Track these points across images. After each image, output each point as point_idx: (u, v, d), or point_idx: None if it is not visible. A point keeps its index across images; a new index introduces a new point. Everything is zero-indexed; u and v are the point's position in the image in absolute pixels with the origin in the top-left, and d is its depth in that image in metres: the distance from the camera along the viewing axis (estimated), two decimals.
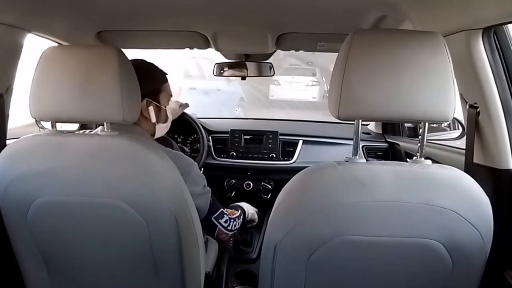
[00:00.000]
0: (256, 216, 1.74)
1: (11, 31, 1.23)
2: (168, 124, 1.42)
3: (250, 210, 1.69)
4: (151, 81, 1.32)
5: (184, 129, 2.21)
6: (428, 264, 0.90)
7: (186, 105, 1.65)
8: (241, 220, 1.53)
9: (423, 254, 0.89)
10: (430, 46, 0.87)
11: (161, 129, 1.39)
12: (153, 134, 1.38)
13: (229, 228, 1.42)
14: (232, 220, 1.44)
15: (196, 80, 7.28)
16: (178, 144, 2.14)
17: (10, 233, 1.11)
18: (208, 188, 1.35)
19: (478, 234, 0.87)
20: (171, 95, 1.41)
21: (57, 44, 1.51)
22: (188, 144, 2.24)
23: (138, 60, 1.31)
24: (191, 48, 1.97)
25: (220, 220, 1.38)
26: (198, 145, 2.16)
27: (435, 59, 0.86)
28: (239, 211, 1.56)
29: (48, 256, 1.13)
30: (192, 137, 2.24)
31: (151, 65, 1.36)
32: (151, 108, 1.30)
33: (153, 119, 1.31)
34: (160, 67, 1.37)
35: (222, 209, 1.41)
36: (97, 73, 1.00)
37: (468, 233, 0.87)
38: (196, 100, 6.15)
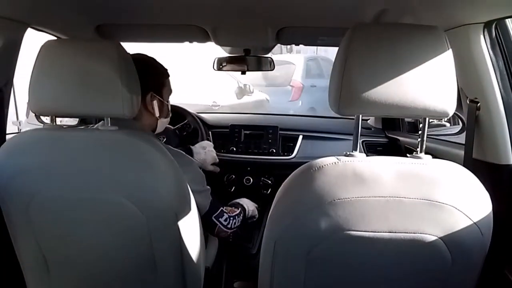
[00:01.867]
0: (256, 212, 1.74)
1: (11, 24, 1.22)
2: (168, 119, 1.42)
3: (250, 206, 1.69)
4: (155, 76, 1.33)
5: (181, 121, 2.20)
6: (427, 260, 0.90)
7: None
8: (241, 217, 1.54)
9: (423, 249, 0.89)
10: (431, 41, 0.86)
11: (162, 124, 1.39)
12: (154, 129, 1.38)
13: (229, 226, 1.43)
14: (232, 218, 1.45)
15: (316, 79, 7.88)
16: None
17: (10, 228, 1.11)
18: (208, 187, 1.36)
19: (477, 230, 0.87)
20: (172, 91, 1.41)
21: (56, 38, 1.50)
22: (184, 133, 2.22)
23: (141, 54, 1.31)
24: (191, 42, 1.96)
25: (220, 219, 1.39)
26: (198, 139, 2.16)
27: (436, 54, 0.86)
28: (239, 209, 1.56)
29: (48, 251, 1.13)
30: (188, 128, 2.22)
31: (154, 60, 1.36)
32: (155, 103, 1.30)
33: (157, 113, 1.31)
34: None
35: (222, 208, 1.42)
36: (97, 67, 1.00)
37: (468, 229, 0.87)
38: (318, 96, 6.87)
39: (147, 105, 1.29)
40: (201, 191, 1.30)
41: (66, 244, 1.12)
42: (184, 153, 1.29)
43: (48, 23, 1.42)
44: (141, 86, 1.22)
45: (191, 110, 2.29)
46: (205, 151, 1.80)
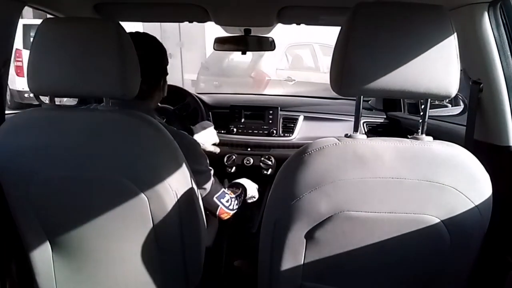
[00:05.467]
0: (256, 192, 1.76)
1: (7, 2, 1.20)
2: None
3: (250, 186, 1.71)
4: (166, 57, 1.38)
5: (181, 101, 2.20)
6: (427, 240, 0.91)
7: None
8: (242, 198, 1.56)
9: (422, 230, 0.89)
10: (434, 20, 0.85)
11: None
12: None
13: (231, 207, 1.44)
14: (233, 199, 1.46)
15: (301, 72, 7.09)
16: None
17: (12, 208, 1.12)
18: (211, 168, 1.36)
19: (477, 211, 0.88)
20: None
21: (53, 17, 1.48)
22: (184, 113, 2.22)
23: (152, 36, 1.34)
24: (191, 21, 1.93)
25: (222, 200, 1.40)
26: (198, 120, 2.16)
27: (440, 34, 0.85)
28: (240, 189, 1.57)
29: (50, 230, 1.14)
30: (188, 108, 2.22)
31: (160, 42, 1.38)
32: (164, 83, 1.36)
33: (165, 93, 1.38)
34: None
35: (223, 189, 1.43)
36: (96, 47, 0.98)
37: (467, 210, 0.87)
38: (287, 92, 6.03)
39: (161, 87, 1.35)
40: (202, 172, 1.31)
41: (67, 223, 1.13)
42: (186, 133, 1.29)
43: (46, 1, 1.40)
44: (160, 69, 1.32)
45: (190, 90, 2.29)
46: (206, 131, 1.80)
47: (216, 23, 1.87)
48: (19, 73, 6.61)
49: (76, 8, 1.56)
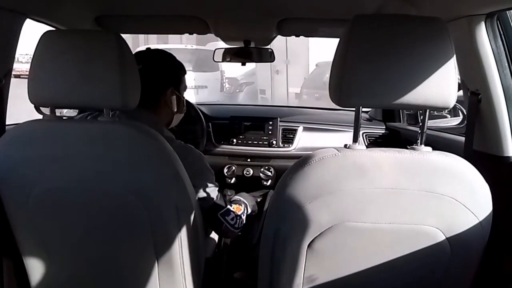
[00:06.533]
0: (256, 207, 1.71)
1: (9, 15, 1.21)
2: (183, 114, 1.44)
3: (250, 202, 1.65)
4: (175, 71, 1.37)
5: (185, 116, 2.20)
6: (427, 251, 0.91)
7: None
8: (245, 215, 1.50)
9: (422, 241, 0.89)
10: (432, 32, 0.86)
11: (177, 118, 1.42)
12: (169, 123, 1.39)
13: (236, 226, 1.38)
14: (238, 218, 1.40)
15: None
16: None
17: (11, 220, 1.12)
18: (216, 183, 1.34)
19: (477, 221, 0.87)
20: (187, 87, 1.44)
21: (54, 29, 1.49)
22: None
23: (161, 50, 1.35)
24: (191, 33, 1.95)
25: (226, 218, 1.34)
26: (197, 131, 2.15)
27: (438, 45, 0.85)
28: (243, 205, 1.53)
29: (49, 243, 1.14)
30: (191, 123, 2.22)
31: (173, 56, 1.38)
32: (173, 98, 1.33)
33: (175, 108, 1.34)
34: None
35: (228, 207, 1.38)
36: (96, 58, 0.99)
37: (467, 220, 0.87)
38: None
39: (167, 100, 1.31)
40: (206, 186, 1.28)
41: (66, 235, 1.12)
42: (192, 146, 1.28)
43: (47, 14, 1.41)
44: (162, 81, 1.30)
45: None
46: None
47: (216, 35, 1.88)
48: None
49: (77, 21, 1.57)
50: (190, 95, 7.98)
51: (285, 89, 9.37)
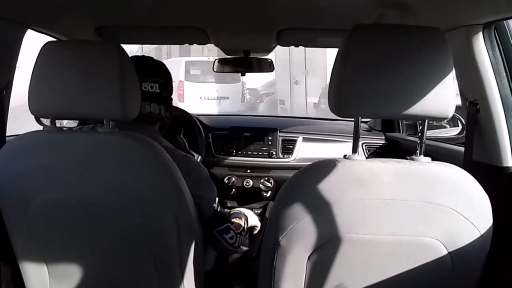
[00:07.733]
0: (258, 222, 1.64)
1: (10, 26, 1.22)
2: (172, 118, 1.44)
3: (251, 215, 1.58)
4: (171, 82, 1.36)
5: (184, 126, 2.20)
6: (427, 263, 0.90)
7: None
8: (245, 231, 1.43)
9: (423, 252, 0.88)
10: (430, 42, 0.86)
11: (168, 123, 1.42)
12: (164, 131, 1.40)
13: (236, 244, 1.29)
14: (238, 235, 1.31)
15: None
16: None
17: (10, 231, 1.11)
18: (216, 197, 1.30)
19: (477, 232, 0.87)
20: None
21: (55, 40, 1.50)
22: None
23: (160, 61, 1.35)
24: (191, 43, 1.96)
25: (225, 235, 1.26)
26: (197, 142, 2.15)
27: (436, 55, 0.86)
28: (243, 218, 1.47)
29: (48, 254, 1.13)
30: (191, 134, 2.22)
31: (162, 63, 1.37)
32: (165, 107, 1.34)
33: (168, 116, 1.34)
34: None
35: (228, 224, 1.30)
36: (97, 69, 0.99)
37: (467, 232, 0.87)
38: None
39: (163, 110, 1.31)
40: (204, 198, 1.23)
41: (65, 246, 1.11)
42: (192, 157, 1.27)
43: (48, 25, 1.42)
44: (167, 93, 1.31)
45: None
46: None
47: (216, 45, 1.89)
48: (180, 99, 7.97)
49: (77, 31, 1.58)
50: (212, 106, 8.32)
51: (304, 99, 9.56)
